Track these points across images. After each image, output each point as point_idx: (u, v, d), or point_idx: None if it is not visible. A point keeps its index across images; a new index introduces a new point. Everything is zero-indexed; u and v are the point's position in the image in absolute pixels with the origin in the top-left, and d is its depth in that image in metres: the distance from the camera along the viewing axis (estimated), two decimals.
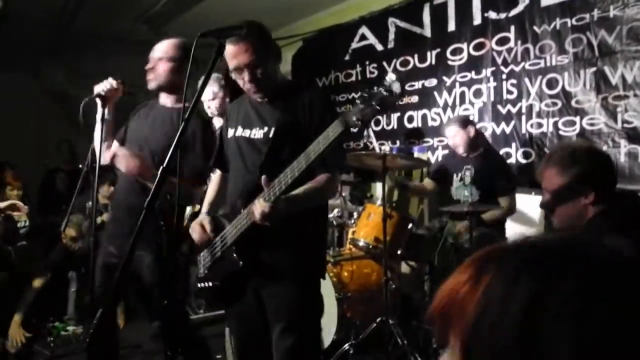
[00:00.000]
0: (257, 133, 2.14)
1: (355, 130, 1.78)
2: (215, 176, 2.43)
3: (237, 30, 1.96)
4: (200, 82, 1.73)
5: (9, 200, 5.26)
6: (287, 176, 1.89)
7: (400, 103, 5.58)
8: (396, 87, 1.67)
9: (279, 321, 2.07)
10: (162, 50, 2.66)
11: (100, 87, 2.59)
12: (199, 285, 2.17)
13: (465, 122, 4.18)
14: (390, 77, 1.74)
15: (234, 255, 2.02)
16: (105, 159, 2.65)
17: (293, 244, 2.08)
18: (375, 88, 1.74)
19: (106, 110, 2.61)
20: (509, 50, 4.60)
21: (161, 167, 1.51)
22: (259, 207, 1.88)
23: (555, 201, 1.90)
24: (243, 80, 2.11)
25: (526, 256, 0.56)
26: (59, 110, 6.91)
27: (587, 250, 0.55)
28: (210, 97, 3.88)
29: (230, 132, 2.25)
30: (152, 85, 2.67)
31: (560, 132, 4.28)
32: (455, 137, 4.12)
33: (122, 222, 2.62)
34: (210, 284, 2.12)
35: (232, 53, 2.04)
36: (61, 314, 4.51)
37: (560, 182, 1.88)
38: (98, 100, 2.60)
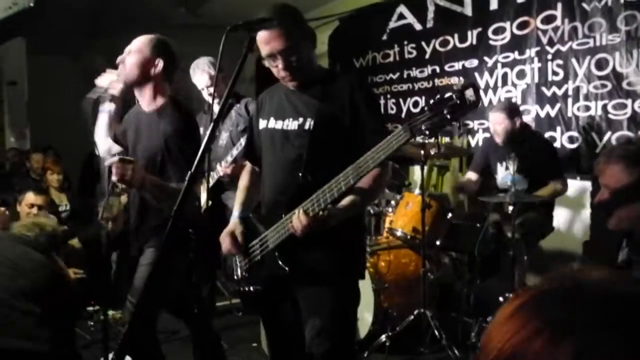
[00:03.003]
0: (291, 124, 2.04)
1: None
2: (246, 171, 2.32)
3: (267, 23, 1.88)
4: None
5: (51, 185, 5.39)
6: (334, 186, 1.79)
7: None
8: (470, 95, 1.51)
9: (314, 325, 2.00)
10: (134, 44, 2.54)
11: (105, 81, 2.54)
12: (237, 288, 2.11)
13: (513, 111, 3.93)
14: (464, 83, 1.60)
15: (279, 261, 1.94)
16: (101, 152, 2.61)
17: (334, 245, 2.00)
18: (447, 94, 1.56)
19: (113, 104, 2.57)
20: (555, 29, 4.38)
21: (189, 173, 1.46)
22: (301, 221, 1.80)
23: (617, 201, 1.76)
24: (277, 68, 2.01)
25: (572, 310, 0.56)
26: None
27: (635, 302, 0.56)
28: (208, 84, 3.82)
29: (262, 124, 2.14)
30: (121, 82, 2.56)
31: (610, 116, 4.07)
32: (499, 125, 3.92)
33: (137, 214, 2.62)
34: (252, 288, 2.06)
35: (265, 39, 1.94)
36: (103, 298, 4.57)
37: (627, 181, 1.74)
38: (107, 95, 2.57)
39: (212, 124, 1.59)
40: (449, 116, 1.52)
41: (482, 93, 5.02)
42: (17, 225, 2.62)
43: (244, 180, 2.28)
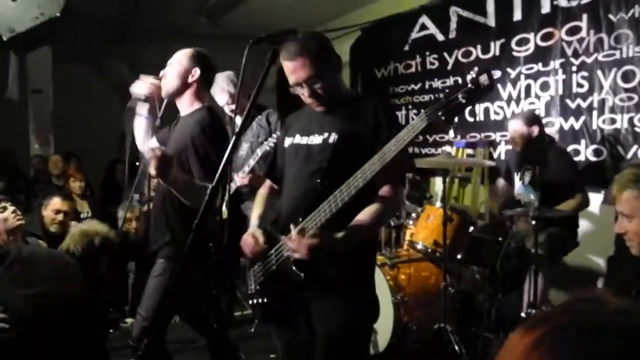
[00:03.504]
0: (316, 139, 2.07)
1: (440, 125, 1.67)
2: (265, 186, 2.35)
3: (290, 35, 1.88)
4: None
5: (73, 192, 5.45)
6: (352, 183, 1.80)
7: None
8: (484, 79, 1.55)
9: (328, 337, 1.98)
10: (173, 58, 2.67)
11: (142, 89, 2.62)
12: (251, 301, 2.11)
13: (531, 119, 3.91)
14: (477, 70, 1.63)
15: (294, 268, 1.94)
16: (145, 154, 2.68)
17: (350, 255, 1.98)
18: (460, 81, 1.63)
19: (147, 109, 2.63)
20: (580, 41, 4.32)
21: (210, 187, 1.45)
22: (295, 241, 1.81)
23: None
24: (303, 95, 2.04)
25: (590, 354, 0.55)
26: (120, 102, 7.09)
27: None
28: (229, 102, 3.84)
29: (288, 141, 2.18)
30: (163, 93, 2.67)
31: (636, 129, 4.00)
32: (515, 132, 3.89)
33: (155, 223, 2.65)
34: (265, 299, 2.06)
35: (291, 69, 1.96)
36: (122, 304, 4.61)
37: None
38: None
39: (234, 137, 1.59)
40: (463, 101, 1.56)
41: (504, 105, 4.98)
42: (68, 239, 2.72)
43: (261, 195, 2.32)
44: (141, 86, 2.70)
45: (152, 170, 2.27)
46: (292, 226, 1.84)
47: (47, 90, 7.44)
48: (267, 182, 2.35)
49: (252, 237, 2.08)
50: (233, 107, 3.79)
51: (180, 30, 7.22)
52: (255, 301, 2.09)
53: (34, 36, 4.16)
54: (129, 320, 4.40)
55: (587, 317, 0.59)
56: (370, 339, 2.30)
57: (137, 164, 3.30)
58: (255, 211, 2.24)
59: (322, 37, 2.06)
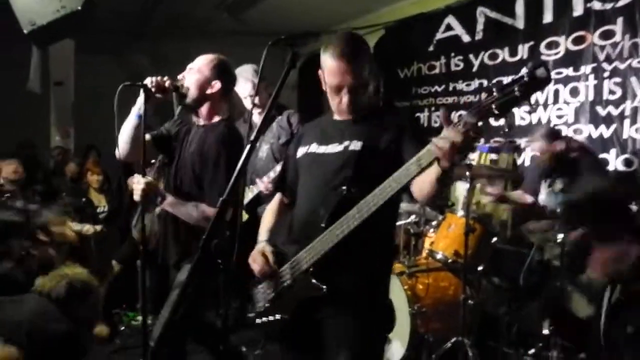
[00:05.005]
0: (335, 148, 1.97)
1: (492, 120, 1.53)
2: (274, 202, 2.26)
3: (311, 38, 1.78)
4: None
5: (91, 185, 5.43)
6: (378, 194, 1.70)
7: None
8: (541, 72, 1.41)
9: (341, 353, 1.89)
10: (196, 63, 2.57)
11: (150, 79, 2.48)
12: (257, 321, 2.01)
13: (551, 136, 3.78)
14: (533, 63, 1.50)
15: (313, 280, 1.85)
16: (122, 154, 2.57)
17: (366, 267, 1.91)
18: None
19: (145, 106, 2.45)
20: (614, 45, 4.16)
21: (220, 200, 1.37)
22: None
23: None
24: (339, 99, 1.94)
25: None
26: (139, 95, 7.05)
27: None
28: (251, 93, 3.71)
29: (302, 151, 2.08)
30: (189, 97, 2.55)
31: None
32: (542, 154, 3.79)
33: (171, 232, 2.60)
34: (278, 316, 1.96)
35: (336, 70, 1.87)
36: (134, 302, 4.56)
37: None
38: (142, 93, 2.46)
39: (248, 146, 1.50)
40: (518, 94, 1.42)
41: (531, 110, 4.83)
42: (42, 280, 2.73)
43: (271, 209, 2.23)
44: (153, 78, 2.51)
45: (136, 198, 2.30)
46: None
47: (68, 83, 7.46)
48: (277, 196, 2.27)
49: (261, 256, 1.99)
50: (254, 99, 3.68)
51: (201, 24, 7.18)
52: (264, 319, 2.00)
53: (55, 29, 4.13)
54: (139, 318, 4.35)
55: None
56: (383, 351, 2.19)
57: (152, 161, 3.23)
58: (264, 225, 2.15)
59: (367, 43, 1.96)
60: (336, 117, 2.03)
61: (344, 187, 1.85)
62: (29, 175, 5.39)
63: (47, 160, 7.00)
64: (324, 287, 1.83)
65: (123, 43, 7.90)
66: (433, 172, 1.61)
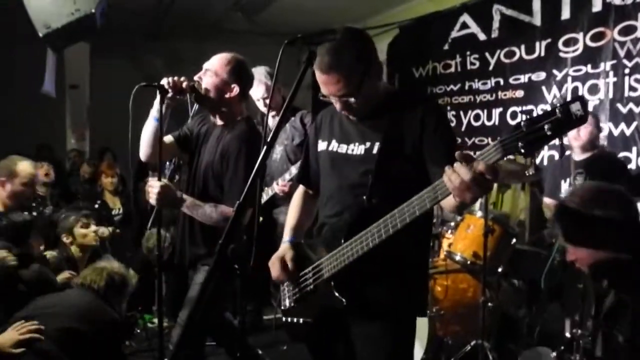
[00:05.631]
0: (357, 149, 1.88)
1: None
2: (298, 194, 2.17)
3: (329, 36, 1.73)
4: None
5: (105, 188, 5.44)
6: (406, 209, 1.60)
7: (504, 97, 5.17)
8: (576, 109, 1.27)
9: None
10: (212, 64, 2.51)
11: (166, 80, 2.43)
12: (284, 319, 1.97)
13: (599, 121, 3.73)
14: (571, 97, 1.38)
15: (335, 292, 1.79)
16: (145, 156, 2.60)
17: (397, 277, 1.83)
18: (549, 107, 1.34)
19: (161, 107, 2.41)
20: (635, 41, 4.07)
21: (237, 203, 1.33)
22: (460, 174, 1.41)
23: None
24: (336, 105, 1.88)
25: None
26: (154, 96, 7.07)
27: None
28: (265, 95, 3.69)
29: (322, 145, 1.99)
30: (207, 99, 2.52)
31: None
32: (585, 128, 3.62)
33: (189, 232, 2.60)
34: (301, 320, 1.92)
35: (322, 81, 1.79)
36: (150, 304, 4.55)
37: None
38: (158, 94, 2.43)
39: (264, 149, 1.47)
40: (549, 132, 1.29)
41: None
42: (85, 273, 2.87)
43: (295, 204, 2.14)
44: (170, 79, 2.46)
45: (152, 202, 2.33)
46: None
47: (83, 86, 7.51)
48: (300, 189, 2.18)
49: (280, 262, 1.93)
50: (268, 102, 3.67)
51: (215, 25, 7.18)
52: (289, 319, 1.96)
53: (70, 32, 4.14)
54: (155, 321, 4.34)
55: None
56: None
57: (168, 163, 3.22)
58: (288, 222, 2.08)
59: (361, 40, 1.83)
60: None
61: (365, 197, 1.80)
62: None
63: (64, 163, 7.05)
64: (344, 300, 1.78)
65: (138, 45, 7.93)
66: (452, 199, 1.52)
